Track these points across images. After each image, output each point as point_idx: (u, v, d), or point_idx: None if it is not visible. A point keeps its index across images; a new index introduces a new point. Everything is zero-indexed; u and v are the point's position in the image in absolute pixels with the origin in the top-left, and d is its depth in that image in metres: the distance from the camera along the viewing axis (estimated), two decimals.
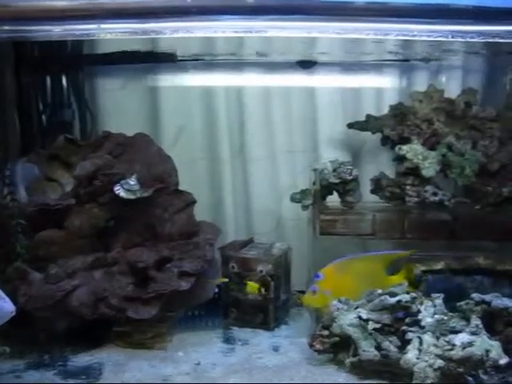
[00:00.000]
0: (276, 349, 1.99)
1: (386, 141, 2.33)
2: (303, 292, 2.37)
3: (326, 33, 1.63)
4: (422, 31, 1.57)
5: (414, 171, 2.15)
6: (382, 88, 2.47)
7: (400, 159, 2.19)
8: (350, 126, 2.35)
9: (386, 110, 2.34)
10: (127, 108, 2.48)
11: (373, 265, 2.01)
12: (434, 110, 2.26)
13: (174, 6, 1.45)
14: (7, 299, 1.58)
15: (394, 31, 1.58)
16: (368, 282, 1.94)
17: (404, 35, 1.60)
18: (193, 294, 2.02)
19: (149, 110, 2.50)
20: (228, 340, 2.07)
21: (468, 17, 1.49)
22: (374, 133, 2.33)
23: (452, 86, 2.38)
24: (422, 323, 1.69)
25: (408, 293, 1.80)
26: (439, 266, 2.01)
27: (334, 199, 2.22)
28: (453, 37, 1.59)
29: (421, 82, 2.41)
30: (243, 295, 2.16)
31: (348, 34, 1.61)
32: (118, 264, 1.99)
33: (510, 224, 2.06)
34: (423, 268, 2.00)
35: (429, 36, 1.60)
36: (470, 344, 1.58)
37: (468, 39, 1.59)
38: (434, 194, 2.14)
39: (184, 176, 2.19)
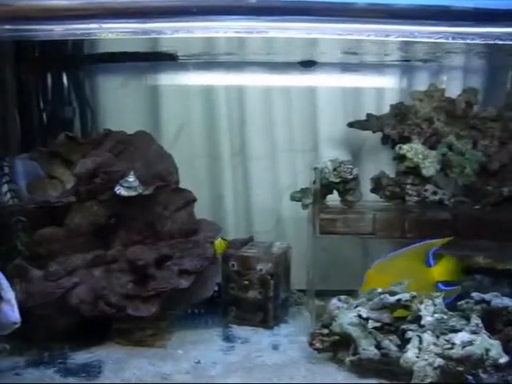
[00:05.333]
0: (276, 347, 1.99)
1: (387, 140, 2.33)
2: (303, 291, 2.38)
3: (328, 34, 1.63)
4: (422, 33, 1.57)
5: (415, 170, 2.15)
6: (383, 87, 2.48)
7: (400, 158, 2.19)
8: (351, 125, 2.35)
9: (386, 110, 2.34)
10: (128, 106, 2.48)
11: (411, 260, 1.99)
12: (434, 110, 2.26)
13: (175, 6, 1.45)
14: (15, 309, 1.55)
15: (395, 32, 1.58)
16: (409, 277, 1.90)
17: (405, 36, 1.60)
18: (192, 291, 2.03)
19: (149, 108, 2.50)
20: (228, 338, 2.07)
21: (469, 18, 1.49)
22: (374, 132, 2.34)
23: (453, 86, 2.38)
24: (422, 322, 1.69)
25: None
26: None
27: (334, 198, 2.22)
28: (453, 38, 1.59)
29: (422, 82, 2.41)
30: (243, 294, 2.16)
31: (349, 35, 1.61)
32: (118, 262, 1.99)
33: (510, 223, 2.06)
34: None
35: (429, 37, 1.60)
36: (470, 343, 1.58)
37: (469, 41, 1.60)
38: (434, 194, 2.14)
39: (184, 174, 2.19)
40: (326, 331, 1.83)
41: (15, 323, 1.54)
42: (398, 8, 1.47)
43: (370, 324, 1.75)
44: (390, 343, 1.71)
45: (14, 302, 1.54)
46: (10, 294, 1.55)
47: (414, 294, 1.77)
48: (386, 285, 1.89)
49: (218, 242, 2.11)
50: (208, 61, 2.44)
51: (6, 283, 1.57)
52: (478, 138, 2.21)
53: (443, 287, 1.98)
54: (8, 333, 1.56)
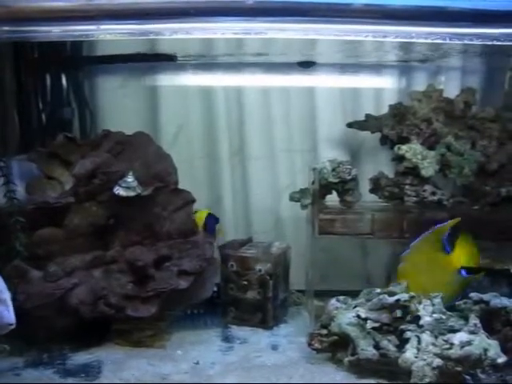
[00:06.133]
0: (275, 348, 1.99)
1: (385, 140, 2.33)
2: (302, 291, 2.39)
3: (325, 35, 1.63)
4: (419, 33, 1.57)
5: (413, 171, 2.15)
6: (381, 88, 2.48)
7: (399, 159, 2.19)
8: (350, 125, 2.35)
9: (385, 110, 2.34)
10: (127, 107, 2.49)
11: (429, 250, 1.98)
12: (433, 110, 2.26)
13: (173, 8, 1.46)
14: (11, 310, 1.53)
15: (392, 33, 1.59)
16: (432, 264, 1.94)
17: (402, 37, 1.61)
18: (191, 292, 2.03)
19: (148, 109, 2.50)
20: (227, 339, 2.07)
21: (466, 19, 1.49)
22: (373, 132, 2.33)
23: (451, 86, 2.38)
24: (421, 322, 1.69)
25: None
26: None
27: (333, 198, 2.22)
28: (450, 39, 1.59)
29: (420, 82, 2.42)
30: (242, 294, 2.17)
31: (346, 35, 1.61)
32: (117, 262, 1.99)
33: (509, 223, 2.06)
34: None
35: (426, 38, 1.60)
36: (469, 343, 1.58)
37: (466, 42, 1.60)
38: (433, 194, 2.14)
39: (183, 175, 2.19)
40: (324, 331, 1.83)
41: (10, 324, 1.53)
42: (395, 9, 1.47)
43: (369, 324, 1.75)
44: (388, 343, 1.71)
45: (9, 302, 1.54)
46: (5, 295, 1.54)
47: (413, 294, 1.77)
48: (418, 278, 1.92)
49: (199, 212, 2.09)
50: (207, 62, 2.45)
51: (1, 284, 1.57)
52: (477, 138, 2.20)
53: (466, 275, 1.98)
54: (3, 334, 1.55)
